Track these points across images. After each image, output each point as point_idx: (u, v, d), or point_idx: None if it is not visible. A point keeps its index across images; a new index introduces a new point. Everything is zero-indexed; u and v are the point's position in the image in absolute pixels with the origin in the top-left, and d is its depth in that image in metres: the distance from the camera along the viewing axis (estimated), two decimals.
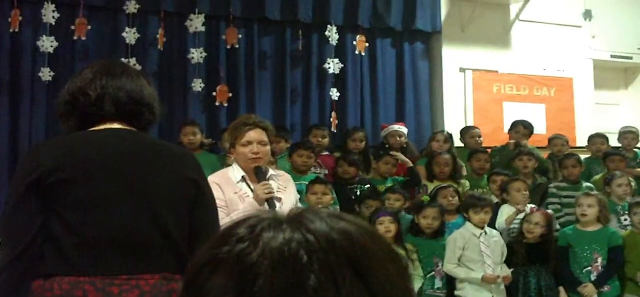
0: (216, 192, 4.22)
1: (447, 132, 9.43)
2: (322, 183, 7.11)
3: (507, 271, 7.13)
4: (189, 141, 8.01)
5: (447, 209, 7.72)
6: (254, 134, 4.94)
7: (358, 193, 7.86)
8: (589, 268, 7.39)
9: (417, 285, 7.05)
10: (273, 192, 4.74)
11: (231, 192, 4.77)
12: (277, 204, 4.73)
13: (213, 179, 4.70)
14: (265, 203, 4.70)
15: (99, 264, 2.74)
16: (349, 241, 0.99)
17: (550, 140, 9.92)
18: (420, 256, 7.25)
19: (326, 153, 8.73)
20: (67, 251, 2.74)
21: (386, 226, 6.99)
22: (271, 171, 4.95)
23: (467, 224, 7.29)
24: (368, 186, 7.94)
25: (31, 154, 2.87)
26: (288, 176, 5.14)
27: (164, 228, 2.89)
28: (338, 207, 7.33)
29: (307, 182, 7.24)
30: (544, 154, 9.49)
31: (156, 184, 2.93)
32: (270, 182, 4.87)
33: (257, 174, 4.84)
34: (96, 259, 2.74)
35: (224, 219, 4.53)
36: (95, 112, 2.97)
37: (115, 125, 2.98)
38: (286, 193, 4.88)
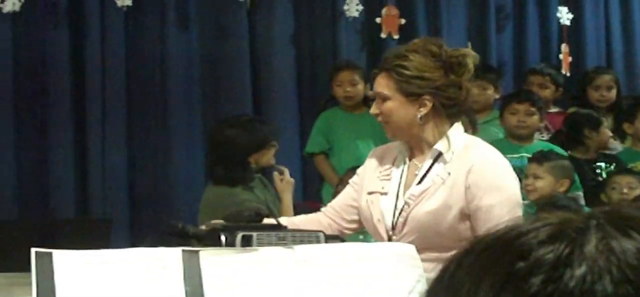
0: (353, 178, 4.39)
1: None
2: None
3: None
4: (346, 94, 7.26)
5: None
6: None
7: (602, 174, 7.26)
8: None
9: None
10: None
11: (372, 178, 4.07)
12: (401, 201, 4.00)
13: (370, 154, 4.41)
14: None
15: None
16: None
17: None
18: None
19: (556, 109, 7.90)
20: None
21: None
22: (443, 147, 3.98)
23: None
24: (614, 164, 7.29)
25: None
26: (470, 161, 3.97)
27: None
28: (581, 193, 6.71)
29: (529, 155, 6.60)
30: None
31: None
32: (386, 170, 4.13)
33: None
34: None
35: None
36: None
37: None
38: (440, 190, 3.88)
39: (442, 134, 4.01)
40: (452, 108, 3.97)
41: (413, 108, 3.97)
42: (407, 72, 3.93)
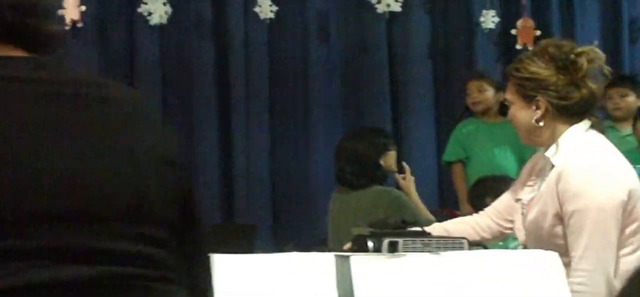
0: None
1: None
2: None
3: None
4: (472, 100, 7.34)
5: None
6: None
7: None
8: None
9: None
10: None
11: (522, 184, 3.97)
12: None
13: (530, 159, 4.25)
14: None
15: None
16: None
17: None
18: None
19: None
20: None
21: None
22: (551, 152, 3.77)
23: None
24: None
25: None
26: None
27: None
28: None
29: None
30: None
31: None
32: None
33: None
34: None
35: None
36: None
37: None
38: (541, 198, 3.74)
39: (557, 136, 3.86)
40: (569, 109, 3.78)
41: (529, 110, 3.85)
42: (520, 75, 3.84)
